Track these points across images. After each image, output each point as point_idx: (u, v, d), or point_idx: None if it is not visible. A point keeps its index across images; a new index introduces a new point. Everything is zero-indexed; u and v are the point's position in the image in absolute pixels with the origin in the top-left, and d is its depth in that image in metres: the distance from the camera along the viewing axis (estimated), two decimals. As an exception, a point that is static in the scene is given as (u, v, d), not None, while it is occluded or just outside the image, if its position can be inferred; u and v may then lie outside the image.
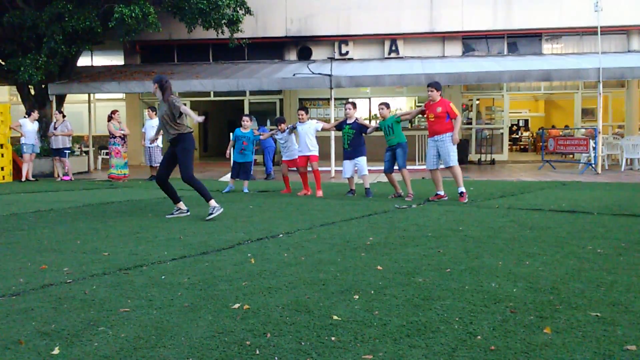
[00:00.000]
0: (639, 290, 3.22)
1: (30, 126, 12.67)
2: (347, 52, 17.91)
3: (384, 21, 17.49)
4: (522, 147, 24.31)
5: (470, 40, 18.00)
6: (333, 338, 2.52)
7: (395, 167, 8.31)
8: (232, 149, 9.90)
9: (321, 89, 14.84)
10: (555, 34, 17.62)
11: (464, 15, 17.37)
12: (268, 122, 18.70)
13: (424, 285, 3.35)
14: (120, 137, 12.32)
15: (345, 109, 8.61)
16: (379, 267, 3.81)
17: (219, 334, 2.58)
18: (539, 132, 19.96)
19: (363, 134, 8.58)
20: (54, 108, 14.72)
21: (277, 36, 17.96)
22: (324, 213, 6.62)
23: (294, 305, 2.99)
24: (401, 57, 17.70)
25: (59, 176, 13.04)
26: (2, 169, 12.50)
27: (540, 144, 16.79)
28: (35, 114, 13.02)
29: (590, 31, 16.32)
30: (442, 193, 7.81)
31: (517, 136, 24.77)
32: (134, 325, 2.72)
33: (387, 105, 8.41)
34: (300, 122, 8.93)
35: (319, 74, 14.27)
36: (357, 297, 3.13)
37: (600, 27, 13.25)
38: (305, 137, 8.80)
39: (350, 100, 9.19)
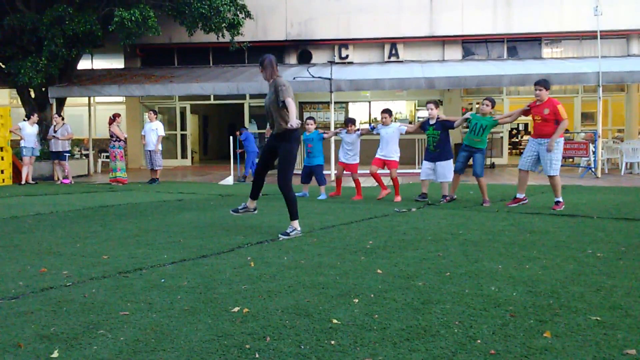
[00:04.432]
0: (639, 294, 3.21)
1: (29, 129, 12.69)
2: (347, 56, 17.94)
3: (384, 25, 17.53)
4: (522, 151, 24.25)
5: (470, 44, 18.03)
6: (333, 342, 2.52)
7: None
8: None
9: (321, 92, 14.86)
10: (555, 38, 17.65)
11: (463, 20, 17.41)
12: (268, 125, 18.72)
13: (424, 289, 3.35)
14: (124, 140, 12.37)
15: (427, 109, 8.13)
16: (378, 271, 3.80)
17: (218, 338, 2.58)
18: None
19: (450, 130, 8.05)
20: (54, 111, 14.74)
21: (277, 40, 18.00)
22: (323, 216, 6.61)
23: (294, 309, 2.98)
24: (401, 61, 17.73)
25: (58, 179, 13.04)
26: (2, 172, 12.50)
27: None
28: (35, 117, 13.03)
29: (590, 35, 16.37)
30: (521, 196, 7.42)
31: (517, 140, 24.78)
32: (133, 328, 2.71)
33: (493, 103, 7.70)
34: (383, 124, 8.50)
35: (319, 77, 14.30)
36: (356, 300, 3.13)
37: (600, 32, 13.28)
38: (390, 140, 8.41)
39: (432, 99, 8.56)
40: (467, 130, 7.84)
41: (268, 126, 5.68)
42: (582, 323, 2.72)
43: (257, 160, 9.14)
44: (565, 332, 2.60)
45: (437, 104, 8.30)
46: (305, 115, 18.51)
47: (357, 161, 8.89)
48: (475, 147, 7.66)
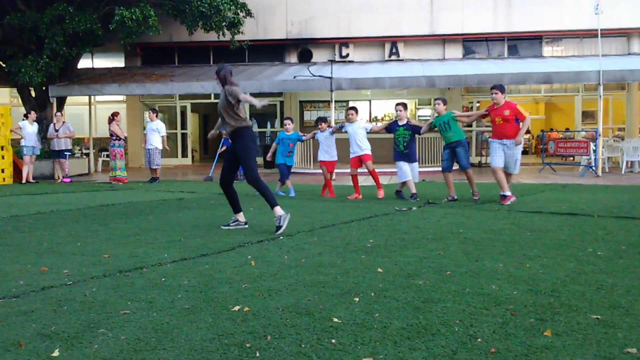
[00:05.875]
0: (639, 292, 3.22)
1: (30, 128, 12.69)
2: (347, 55, 17.93)
3: (384, 24, 17.52)
4: (522, 149, 24.23)
5: (471, 43, 18.02)
6: (333, 340, 2.52)
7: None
8: (273, 153, 9.57)
9: (321, 91, 14.86)
10: (556, 36, 17.64)
11: (464, 18, 17.40)
12: (269, 125, 18.73)
13: (425, 288, 3.35)
14: (123, 139, 12.37)
15: (396, 111, 8.30)
16: (379, 270, 3.80)
17: (219, 337, 2.58)
18: (539, 134, 19.98)
19: (416, 135, 8.28)
20: (54, 110, 14.75)
21: (277, 38, 17.99)
22: (324, 215, 6.62)
23: (294, 308, 2.99)
24: (401, 60, 17.72)
25: (59, 178, 13.05)
26: (3, 171, 12.51)
27: (541, 146, 16.80)
28: (33, 115, 13.02)
29: (590, 34, 16.34)
30: (509, 194, 7.59)
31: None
32: (134, 327, 2.71)
33: (444, 101, 8.04)
34: (349, 122, 8.61)
35: (320, 76, 14.29)
36: (357, 299, 3.13)
37: (601, 30, 13.26)
38: (356, 137, 8.47)
39: (400, 101, 8.78)
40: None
41: (218, 122, 5.90)
42: (583, 322, 2.72)
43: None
44: (565, 331, 2.60)
45: (406, 106, 8.52)
46: (306, 114, 18.57)
47: (335, 159, 9.04)
48: (453, 141, 7.86)
